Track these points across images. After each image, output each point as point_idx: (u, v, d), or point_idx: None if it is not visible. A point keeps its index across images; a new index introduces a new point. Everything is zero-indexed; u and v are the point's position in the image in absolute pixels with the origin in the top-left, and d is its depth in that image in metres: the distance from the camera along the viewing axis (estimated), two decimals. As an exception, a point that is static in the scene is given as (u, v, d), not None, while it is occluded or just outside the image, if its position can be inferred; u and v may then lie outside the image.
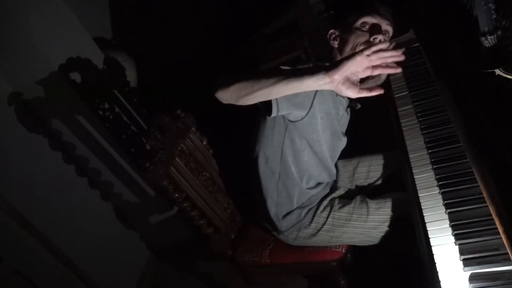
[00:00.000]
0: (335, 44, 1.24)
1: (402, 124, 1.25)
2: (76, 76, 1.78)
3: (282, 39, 3.17)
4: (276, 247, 1.44)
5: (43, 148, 1.88)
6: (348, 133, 1.42)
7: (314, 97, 1.14)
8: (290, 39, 3.13)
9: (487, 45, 1.02)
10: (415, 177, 1.07)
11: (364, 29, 1.17)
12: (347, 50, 1.18)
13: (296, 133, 1.22)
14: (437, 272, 0.83)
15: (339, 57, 1.22)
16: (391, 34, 1.22)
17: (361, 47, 1.14)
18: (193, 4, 2.82)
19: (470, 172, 0.94)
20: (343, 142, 1.39)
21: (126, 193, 2.14)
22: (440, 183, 1.00)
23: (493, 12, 0.98)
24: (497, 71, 0.96)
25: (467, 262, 0.82)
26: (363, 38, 1.16)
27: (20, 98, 1.80)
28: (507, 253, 0.74)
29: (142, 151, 1.93)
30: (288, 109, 1.09)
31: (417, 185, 1.04)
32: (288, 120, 1.18)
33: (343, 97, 1.23)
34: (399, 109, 1.32)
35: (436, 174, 1.03)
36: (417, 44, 1.47)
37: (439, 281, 0.82)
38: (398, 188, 1.29)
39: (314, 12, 3.70)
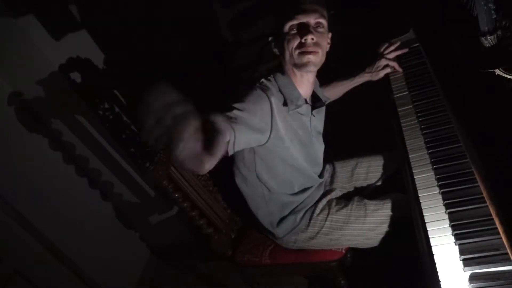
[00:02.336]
0: (276, 52, 1.23)
1: (402, 124, 1.25)
2: (76, 76, 1.78)
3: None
4: (277, 247, 1.44)
5: (43, 148, 1.88)
6: (348, 132, 1.41)
7: (272, 118, 1.13)
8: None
9: (487, 45, 1.02)
10: (415, 177, 1.07)
11: (293, 32, 1.15)
12: (287, 57, 1.18)
13: (265, 153, 1.22)
14: (437, 272, 0.83)
15: (286, 66, 1.21)
16: (325, 25, 1.18)
17: (297, 52, 1.14)
18: (193, 3, 2.82)
19: (470, 172, 0.94)
20: (318, 145, 1.37)
21: (126, 193, 2.14)
22: (440, 183, 1.00)
23: (493, 12, 0.98)
24: (497, 71, 0.96)
25: (467, 262, 0.82)
26: (295, 42, 1.14)
27: (20, 98, 1.80)
28: (507, 253, 0.74)
29: (142, 151, 1.92)
30: (246, 143, 1.08)
31: (417, 185, 1.04)
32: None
33: (300, 104, 1.21)
34: (399, 109, 1.32)
35: (436, 174, 1.03)
36: (417, 44, 1.47)
37: (439, 281, 0.82)
38: (397, 188, 1.29)
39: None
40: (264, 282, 1.71)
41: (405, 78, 1.41)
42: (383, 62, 1.47)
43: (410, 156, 1.14)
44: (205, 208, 1.41)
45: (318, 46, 1.15)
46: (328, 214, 1.32)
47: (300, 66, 1.16)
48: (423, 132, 1.17)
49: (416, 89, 1.33)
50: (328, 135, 1.43)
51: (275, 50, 1.23)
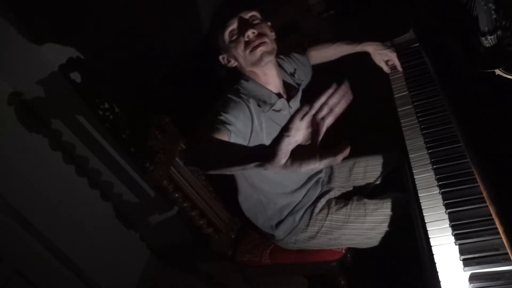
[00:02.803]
0: (233, 64, 1.23)
1: (402, 124, 1.25)
2: (76, 76, 1.78)
3: (282, 39, 3.16)
4: (277, 247, 1.44)
5: (43, 148, 1.88)
6: (346, 132, 1.40)
7: (252, 123, 1.14)
8: (290, 39, 3.13)
9: (487, 45, 1.02)
10: (415, 177, 1.07)
11: (234, 37, 1.16)
12: (242, 62, 1.18)
13: None
14: (437, 272, 0.83)
15: (245, 70, 1.21)
16: (259, 15, 1.19)
17: (248, 51, 1.15)
18: (194, 3, 2.82)
19: (470, 172, 0.94)
20: None
21: (126, 193, 2.14)
22: (440, 183, 1.00)
23: (493, 12, 0.98)
24: (497, 71, 0.96)
25: (467, 262, 0.82)
26: (241, 44, 1.15)
27: (20, 98, 1.80)
28: (507, 253, 0.74)
29: (142, 151, 1.93)
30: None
31: (417, 185, 1.04)
32: None
33: (273, 102, 1.21)
34: (399, 109, 1.32)
35: (436, 174, 1.03)
36: (417, 44, 1.47)
37: (439, 281, 0.82)
38: (397, 188, 1.29)
39: (314, 12, 3.71)
40: (264, 282, 1.71)
41: (405, 78, 1.41)
42: (393, 56, 1.46)
43: (410, 156, 1.14)
44: (205, 208, 1.41)
45: (263, 36, 1.16)
46: (327, 214, 1.32)
47: (257, 62, 1.17)
48: (423, 132, 1.16)
49: (416, 89, 1.33)
50: (326, 135, 1.42)
51: (230, 64, 1.23)
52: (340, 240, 1.32)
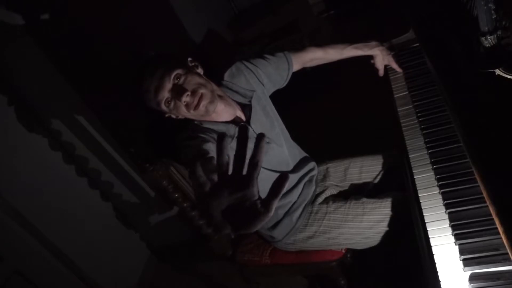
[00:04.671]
0: (181, 117, 1.17)
1: (402, 124, 1.25)
2: (76, 76, 1.78)
3: (282, 39, 3.17)
4: (277, 247, 1.44)
5: (43, 148, 1.88)
6: (343, 132, 1.40)
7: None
8: (290, 39, 3.14)
9: (487, 45, 1.02)
10: (415, 177, 1.07)
11: (172, 104, 1.11)
12: (189, 116, 1.15)
13: None
14: (437, 272, 0.83)
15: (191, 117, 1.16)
16: (180, 69, 1.11)
17: (191, 110, 1.11)
18: (194, 3, 2.82)
19: (470, 172, 0.94)
20: (277, 149, 1.30)
21: (126, 193, 2.14)
22: (440, 183, 1.00)
23: (493, 12, 0.98)
24: (497, 71, 0.96)
25: (467, 262, 0.82)
26: (182, 107, 1.11)
27: (20, 98, 1.80)
28: (507, 253, 0.74)
29: (142, 151, 1.93)
30: None
31: (417, 185, 1.04)
32: None
33: (233, 133, 1.17)
34: (399, 109, 1.32)
35: (436, 174, 1.03)
36: (417, 44, 1.47)
37: (439, 281, 0.82)
38: (396, 187, 1.29)
39: (314, 12, 3.71)
40: (264, 282, 1.72)
41: (405, 78, 1.41)
42: (392, 61, 1.45)
43: (410, 156, 1.14)
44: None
45: (199, 89, 1.11)
46: (326, 213, 1.32)
47: (205, 114, 1.14)
48: (423, 132, 1.16)
49: (416, 89, 1.33)
50: (323, 135, 1.42)
51: (179, 117, 1.17)
52: (338, 239, 1.32)
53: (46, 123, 1.87)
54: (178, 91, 1.09)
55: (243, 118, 1.26)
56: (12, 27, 1.64)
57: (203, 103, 1.12)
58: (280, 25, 3.30)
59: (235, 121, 1.23)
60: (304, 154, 1.46)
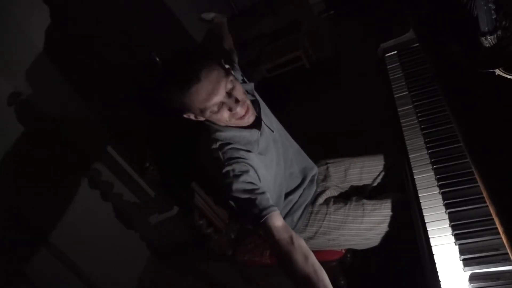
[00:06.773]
0: (202, 119, 1.15)
1: (402, 124, 1.25)
2: (76, 76, 1.78)
3: (282, 39, 3.17)
4: (276, 247, 1.44)
5: (42, 148, 1.88)
6: (343, 134, 1.40)
7: (256, 172, 1.12)
8: (290, 39, 3.14)
9: (487, 45, 1.02)
10: (415, 177, 1.07)
11: (218, 108, 1.07)
12: (223, 123, 1.13)
13: None
14: (437, 272, 0.83)
15: (221, 123, 1.14)
16: (232, 81, 1.08)
17: (232, 120, 1.11)
18: (194, 3, 2.82)
19: (470, 172, 0.94)
20: (288, 147, 1.33)
21: (126, 193, 2.14)
22: (440, 183, 1.00)
23: (493, 12, 0.98)
24: (497, 71, 0.96)
25: (467, 262, 0.82)
26: (226, 114, 1.09)
27: (20, 98, 1.80)
28: (507, 253, 0.74)
29: (142, 151, 1.93)
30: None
31: (417, 185, 1.04)
32: None
33: (257, 139, 1.17)
34: (399, 109, 1.32)
35: (436, 174, 1.03)
36: (417, 44, 1.47)
37: (439, 281, 0.82)
38: (396, 188, 1.29)
39: (314, 12, 3.71)
40: (264, 282, 1.72)
41: (405, 78, 1.41)
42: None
43: (410, 156, 1.14)
44: (205, 208, 1.41)
45: (246, 100, 1.12)
46: (326, 214, 1.32)
47: (238, 124, 1.14)
48: (423, 132, 1.17)
49: (416, 89, 1.33)
50: (324, 135, 1.42)
51: (197, 119, 1.14)
52: (338, 240, 1.32)
53: (46, 123, 1.87)
54: (234, 99, 1.08)
55: (257, 116, 1.24)
56: (11, 25, 1.63)
57: (248, 115, 1.12)
58: (280, 25, 3.30)
59: (255, 124, 1.20)
60: (304, 154, 1.46)
